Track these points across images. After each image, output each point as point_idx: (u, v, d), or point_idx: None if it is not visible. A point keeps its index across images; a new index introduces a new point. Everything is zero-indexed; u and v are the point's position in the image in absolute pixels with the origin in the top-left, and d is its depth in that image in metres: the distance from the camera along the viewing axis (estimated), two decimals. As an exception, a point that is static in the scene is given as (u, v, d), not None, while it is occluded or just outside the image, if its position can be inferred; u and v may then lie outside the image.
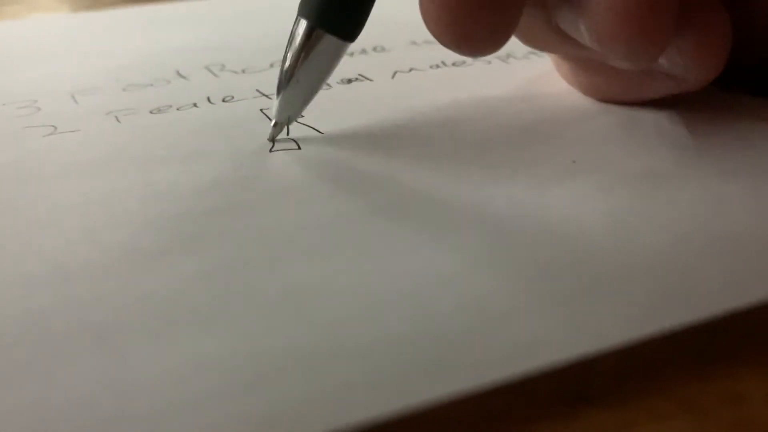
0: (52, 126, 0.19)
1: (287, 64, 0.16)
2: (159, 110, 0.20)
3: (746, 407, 0.10)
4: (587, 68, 0.18)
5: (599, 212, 0.13)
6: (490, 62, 0.23)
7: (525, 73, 0.22)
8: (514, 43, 0.24)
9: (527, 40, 0.18)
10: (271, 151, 0.17)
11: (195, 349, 0.10)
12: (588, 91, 0.19)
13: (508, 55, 0.23)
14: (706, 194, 0.14)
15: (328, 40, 0.16)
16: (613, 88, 0.18)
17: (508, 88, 0.20)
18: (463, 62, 0.23)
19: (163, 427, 0.09)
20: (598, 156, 0.16)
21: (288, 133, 0.18)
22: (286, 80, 0.16)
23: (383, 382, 0.10)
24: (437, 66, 0.23)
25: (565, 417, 0.10)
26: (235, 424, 0.09)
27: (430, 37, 0.25)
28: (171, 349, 0.10)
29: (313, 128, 0.18)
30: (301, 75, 0.16)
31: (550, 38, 0.17)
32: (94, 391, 0.10)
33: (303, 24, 0.16)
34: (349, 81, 0.22)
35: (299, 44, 0.16)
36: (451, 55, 0.23)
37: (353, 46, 0.25)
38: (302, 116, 0.19)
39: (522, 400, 0.10)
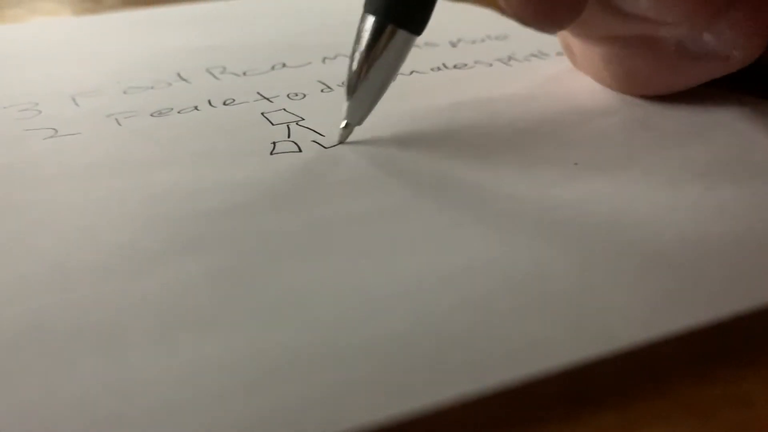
0: (53, 129, 0.19)
1: (356, 62, 0.16)
2: (160, 113, 0.20)
3: (751, 410, 0.10)
4: (625, 53, 0.18)
5: (601, 215, 0.13)
6: (491, 65, 0.23)
7: (526, 75, 0.22)
8: (515, 46, 0.24)
9: (582, 21, 0.17)
10: (271, 154, 0.17)
11: (195, 350, 0.10)
12: (620, 81, 0.19)
13: (510, 58, 0.23)
14: (707, 197, 0.14)
15: (399, 36, 0.16)
16: (650, 74, 0.18)
17: (510, 91, 0.20)
18: (465, 65, 0.23)
19: (164, 428, 0.09)
20: (599, 158, 0.16)
21: (289, 135, 0.18)
22: (355, 81, 0.16)
23: (384, 384, 0.10)
24: (438, 68, 0.23)
25: (568, 419, 0.10)
26: (236, 425, 0.09)
27: (431, 39, 0.26)
28: (171, 351, 0.10)
29: (314, 131, 0.18)
30: (373, 73, 0.16)
31: (599, 14, 0.17)
32: (95, 392, 0.10)
33: (371, 20, 0.16)
34: (351, 83, 0.22)
35: (368, 41, 0.16)
36: (452, 58, 0.23)
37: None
38: (303, 119, 0.19)
39: (525, 402, 0.10)
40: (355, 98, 0.16)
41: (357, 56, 0.16)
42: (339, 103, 0.20)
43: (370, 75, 0.16)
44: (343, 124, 0.17)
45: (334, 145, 0.17)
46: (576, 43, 0.20)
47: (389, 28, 0.16)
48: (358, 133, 0.17)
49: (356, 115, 0.17)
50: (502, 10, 0.16)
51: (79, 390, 0.10)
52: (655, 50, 0.17)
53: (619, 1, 0.16)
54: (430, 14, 0.16)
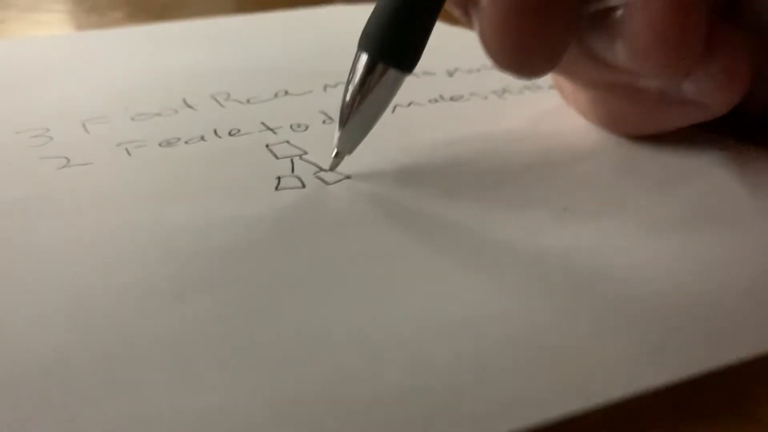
0: (65, 158, 0.20)
1: (349, 97, 0.17)
2: (168, 143, 0.21)
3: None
4: (609, 97, 0.19)
5: (586, 266, 0.14)
6: (486, 97, 0.24)
7: (520, 108, 0.23)
8: (509, 78, 0.25)
9: (565, 68, 0.19)
10: (276, 189, 0.18)
11: (204, 396, 0.11)
12: (606, 123, 0.20)
13: (504, 90, 0.24)
14: (689, 248, 0.15)
15: (390, 73, 0.17)
16: (635, 118, 0.19)
17: (504, 127, 0.21)
18: (461, 96, 0.24)
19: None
20: (589, 203, 0.17)
21: (293, 170, 0.19)
22: (347, 114, 0.17)
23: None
24: (435, 100, 0.23)
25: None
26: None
27: (428, 68, 0.27)
28: (183, 391, 0.11)
29: (317, 166, 0.19)
30: (363, 108, 0.17)
31: (581, 63, 0.18)
32: (111, 430, 0.11)
33: (363, 57, 0.17)
34: (351, 115, 0.22)
35: (360, 78, 0.17)
36: (449, 90, 0.24)
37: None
38: (306, 153, 0.20)
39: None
40: (346, 129, 0.18)
41: (350, 90, 0.17)
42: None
43: (361, 109, 0.17)
44: (334, 153, 0.18)
45: (335, 182, 0.18)
46: (565, 83, 0.21)
47: (380, 66, 0.17)
48: (359, 167, 0.18)
49: (347, 146, 0.18)
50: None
51: (94, 429, 0.11)
52: (637, 96, 0.18)
53: (601, 53, 0.17)
54: (421, 53, 0.17)
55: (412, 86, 0.25)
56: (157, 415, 0.11)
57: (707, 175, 0.18)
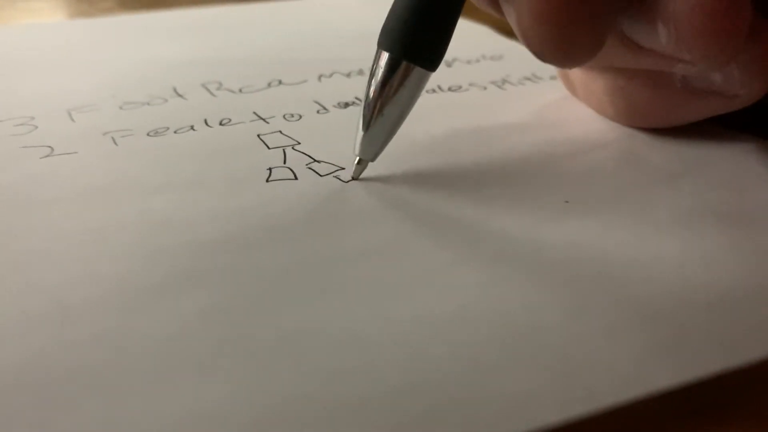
0: (49, 147, 0.19)
1: (372, 98, 0.16)
2: (156, 132, 0.20)
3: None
4: (630, 86, 0.19)
5: (589, 260, 0.14)
6: (485, 88, 0.23)
7: (521, 99, 0.22)
8: (510, 67, 0.25)
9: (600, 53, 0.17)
10: (267, 180, 0.17)
11: (192, 396, 0.11)
12: (623, 114, 0.19)
13: (504, 81, 0.23)
14: (693, 246, 0.14)
15: (414, 73, 0.16)
16: (654, 108, 0.19)
17: (504, 117, 0.20)
18: (459, 87, 0.23)
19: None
20: (590, 196, 0.16)
21: (285, 161, 0.18)
22: (370, 116, 0.16)
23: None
24: (434, 90, 0.23)
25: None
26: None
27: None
28: (169, 395, 0.11)
29: (310, 156, 0.18)
30: (388, 109, 0.16)
31: (612, 48, 0.17)
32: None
33: (385, 57, 0.16)
34: (346, 105, 0.22)
35: (382, 78, 0.16)
36: (447, 80, 0.24)
37: (350, 67, 0.25)
38: (299, 143, 0.19)
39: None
40: (369, 134, 0.16)
41: (372, 92, 0.16)
42: (336, 125, 0.20)
43: (384, 111, 0.16)
44: (356, 160, 0.17)
45: (328, 174, 0.17)
46: (576, 73, 0.20)
47: (404, 65, 0.16)
48: (352, 160, 0.18)
49: (370, 152, 0.17)
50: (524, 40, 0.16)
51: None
52: (660, 85, 0.18)
53: (638, 37, 0.16)
54: (445, 50, 0.16)
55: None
56: (140, 420, 0.10)
57: (714, 169, 0.17)
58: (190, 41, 0.30)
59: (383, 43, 0.16)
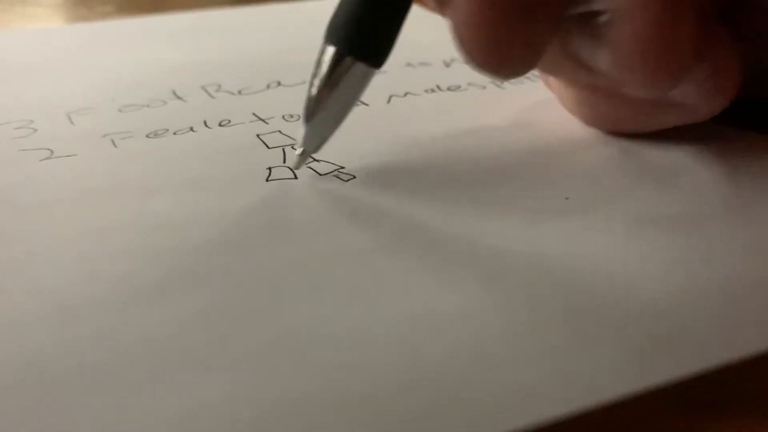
0: (49, 149, 0.19)
1: (314, 92, 0.16)
2: (155, 134, 0.20)
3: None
4: (594, 97, 0.18)
5: (591, 255, 0.14)
6: (484, 87, 0.23)
7: (519, 98, 0.22)
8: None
9: (541, 64, 0.17)
10: (267, 180, 0.17)
11: (192, 394, 0.11)
12: (591, 120, 0.19)
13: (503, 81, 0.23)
14: (690, 243, 0.14)
15: (357, 68, 0.16)
16: (620, 118, 0.18)
17: (503, 116, 0.20)
18: (458, 87, 0.23)
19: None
20: (590, 193, 0.16)
21: (285, 160, 0.18)
22: (313, 109, 0.16)
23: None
24: (432, 90, 0.23)
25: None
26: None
27: (425, 59, 0.26)
28: (169, 394, 0.11)
29: (310, 156, 0.18)
30: (330, 104, 0.16)
31: (564, 64, 0.17)
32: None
33: (330, 51, 0.16)
34: (345, 105, 0.22)
35: (327, 72, 0.16)
36: (446, 80, 0.24)
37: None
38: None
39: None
40: (311, 126, 0.16)
41: (316, 85, 0.16)
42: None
43: (327, 105, 0.16)
44: (299, 150, 0.17)
45: (328, 173, 0.17)
46: (553, 80, 0.20)
47: (348, 60, 0.16)
48: (353, 158, 0.18)
49: (312, 143, 0.17)
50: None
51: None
52: (623, 97, 0.17)
53: (585, 58, 0.16)
54: (392, 47, 0.16)
55: (408, 76, 0.24)
56: (141, 418, 0.10)
57: (712, 163, 0.17)
58: (189, 45, 0.30)
59: (329, 38, 0.16)
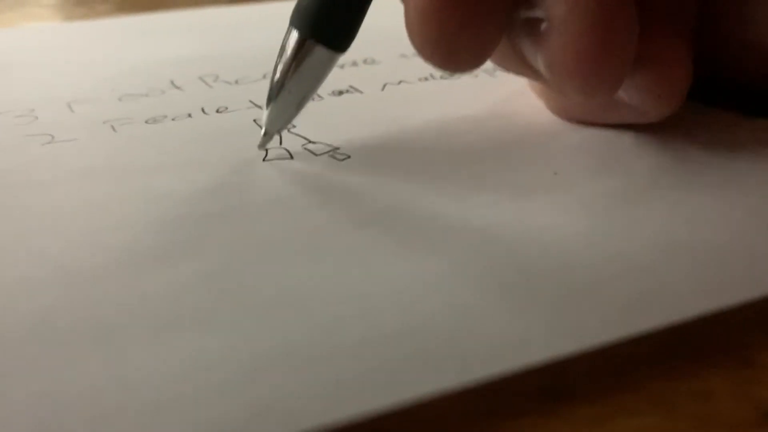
0: (50, 135, 0.20)
1: (278, 74, 0.16)
2: (154, 120, 0.20)
3: (711, 403, 0.10)
4: (552, 91, 0.19)
5: (579, 223, 0.14)
6: (477, 76, 0.23)
7: (511, 86, 0.22)
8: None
9: (495, 59, 0.18)
10: (264, 160, 0.17)
11: (194, 347, 0.11)
12: (557, 111, 0.20)
13: (495, 69, 0.24)
14: (678, 206, 0.15)
15: (320, 51, 0.16)
16: (579, 112, 0.19)
17: (495, 101, 0.21)
18: (451, 75, 0.24)
19: (164, 421, 0.10)
20: (578, 168, 0.17)
21: (281, 143, 0.19)
22: (276, 91, 0.17)
23: (373, 379, 0.10)
24: (426, 79, 0.23)
25: (544, 412, 0.10)
26: (233, 418, 0.10)
27: (419, 50, 0.26)
28: (171, 347, 0.11)
29: (305, 138, 0.19)
30: (292, 86, 0.16)
31: (513, 61, 0.17)
32: (98, 387, 0.10)
33: (294, 34, 0.16)
34: (340, 93, 0.22)
35: (290, 55, 0.16)
36: (439, 69, 0.24)
37: (344, 58, 0.25)
38: (294, 126, 0.20)
39: (505, 396, 0.10)
40: (273, 108, 0.17)
41: (279, 68, 0.16)
42: (330, 111, 0.21)
43: (290, 88, 0.16)
44: (262, 131, 0.17)
45: (323, 153, 0.18)
46: None
47: (311, 44, 0.16)
48: (348, 138, 0.18)
49: (275, 125, 0.17)
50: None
51: (81, 386, 0.10)
52: None
53: (528, 57, 0.16)
54: (355, 32, 0.16)
55: (401, 65, 0.25)
56: (142, 368, 0.11)
57: (700, 143, 0.18)
58: (188, 40, 0.30)
59: (293, 21, 0.16)
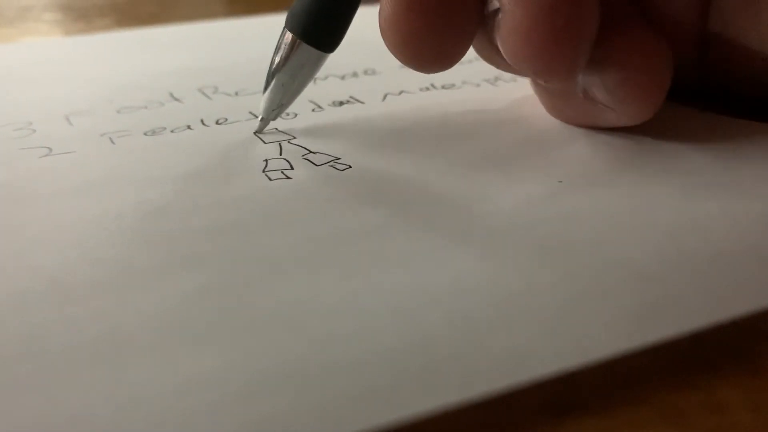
0: (47, 148, 0.19)
1: (272, 68, 0.19)
2: (153, 132, 0.20)
3: (725, 415, 0.10)
4: (539, 90, 0.19)
5: (584, 230, 0.14)
6: (479, 85, 0.23)
7: (513, 95, 0.22)
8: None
9: (477, 51, 0.19)
10: (264, 171, 0.17)
11: (191, 363, 0.11)
12: (548, 110, 0.20)
13: (497, 78, 0.24)
14: (685, 213, 0.14)
15: (310, 52, 0.18)
16: (566, 111, 0.19)
17: (497, 110, 0.21)
18: (453, 85, 0.23)
19: (161, 439, 0.09)
20: (582, 176, 0.16)
21: (281, 153, 0.18)
22: (269, 81, 0.19)
23: (373, 396, 0.10)
24: (427, 88, 0.23)
25: (553, 425, 0.10)
26: (231, 435, 0.09)
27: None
28: (167, 364, 0.11)
29: (305, 148, 0.19)
30: (285, 79, 0.19)
31: (492, 54, 0.18)
32: (93, 406, 0.10)
33: (288, 36, 0.18)
34: (341, 103, 0.22)
35: (283, 53, 0.18)
36: (441, 78, 0.24)
37: (344, 69, 0.25)
38: (294, 137, 0.19)
39: (511, 411, 0.10)
40: (268, 98, 0.19)
41: (274, 63, 0.19)
42: (331, 122, 0.21)
43: (283, 82, 0.19)
44: (260, 117, 0.19)
45: (324, 164, 0.18)
46: None
47: (302, 44, 0.18)
48: (348, 148, 0.18)
49: (271, 112, 0.19)
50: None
51: (78, 403, 0.10)
52: (564, 92, 0.18)
53: (501, 49, 0.16)
54: (342, 35, 0.18)
55: (402, 76, 0.24)
56: (137, 386, 0.10)
57: (710, 144, 0.17)
58: (186, 53, 0.30)
59: (288, 23, 0.18)
